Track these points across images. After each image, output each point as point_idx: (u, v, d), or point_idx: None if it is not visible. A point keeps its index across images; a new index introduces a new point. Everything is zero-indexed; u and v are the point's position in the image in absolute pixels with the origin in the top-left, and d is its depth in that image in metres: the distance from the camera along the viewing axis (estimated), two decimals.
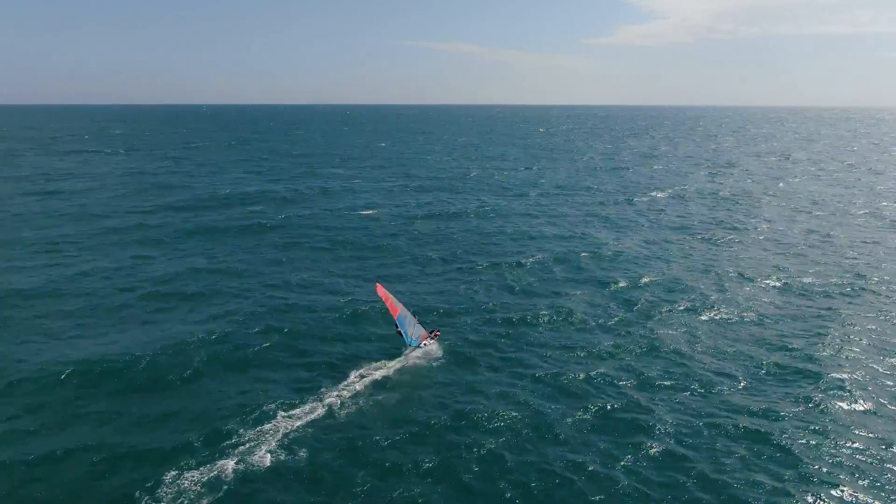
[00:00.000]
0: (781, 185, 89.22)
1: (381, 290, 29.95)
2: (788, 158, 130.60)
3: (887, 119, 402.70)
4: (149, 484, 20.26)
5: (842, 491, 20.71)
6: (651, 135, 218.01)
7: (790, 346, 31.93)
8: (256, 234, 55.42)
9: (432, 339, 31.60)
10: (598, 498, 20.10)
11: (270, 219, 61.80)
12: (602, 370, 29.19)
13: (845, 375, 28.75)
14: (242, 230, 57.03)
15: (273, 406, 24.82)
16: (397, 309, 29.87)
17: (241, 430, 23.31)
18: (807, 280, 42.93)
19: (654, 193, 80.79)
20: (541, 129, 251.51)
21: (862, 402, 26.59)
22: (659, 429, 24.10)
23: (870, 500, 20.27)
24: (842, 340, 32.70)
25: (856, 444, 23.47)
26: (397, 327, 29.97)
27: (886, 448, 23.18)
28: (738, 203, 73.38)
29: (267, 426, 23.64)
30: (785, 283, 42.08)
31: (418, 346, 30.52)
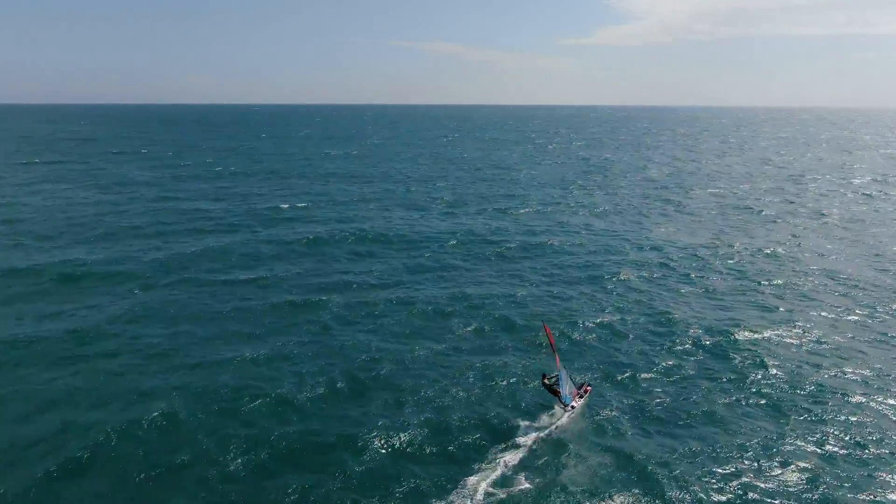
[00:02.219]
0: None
1: (549, 332, 24.38)
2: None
3: (845, 119, 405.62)
4: None
5: None
6: (582, 135, 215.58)
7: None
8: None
9: (583, 395, 25.29)
10: None
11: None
12: None
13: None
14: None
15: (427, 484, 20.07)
16: (558, 358, 24.20)
17: None
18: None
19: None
20: (492, 135, 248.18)
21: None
22: None
23: None
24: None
25: None
26: (546, 378, 24.33)
27: None
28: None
29: None
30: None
31: (572, 406, 24.24)
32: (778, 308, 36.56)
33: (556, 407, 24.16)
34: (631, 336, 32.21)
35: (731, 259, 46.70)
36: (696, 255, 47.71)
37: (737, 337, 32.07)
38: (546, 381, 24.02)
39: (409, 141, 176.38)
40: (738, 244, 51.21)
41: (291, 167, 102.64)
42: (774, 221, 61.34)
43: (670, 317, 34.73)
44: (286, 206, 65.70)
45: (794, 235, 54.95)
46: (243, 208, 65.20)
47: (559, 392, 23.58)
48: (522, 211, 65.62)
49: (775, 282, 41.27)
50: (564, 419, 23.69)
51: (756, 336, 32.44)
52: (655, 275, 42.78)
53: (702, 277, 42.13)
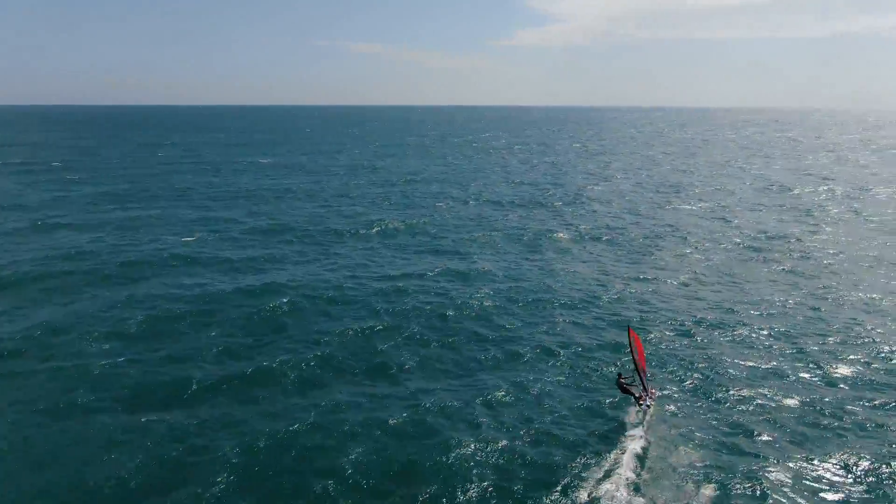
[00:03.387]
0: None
1: (634, 336, 23.35)
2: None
3: (743, 119, 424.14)
4: None
5: None
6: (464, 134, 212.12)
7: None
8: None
9: (653, 396, 23.76)
10: None
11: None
12: None
13: None
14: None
15: None
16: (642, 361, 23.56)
17: None
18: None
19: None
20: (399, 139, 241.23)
21: None
22: None
23: None
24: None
25: None
26: (622, 378, 23.51)
27: None
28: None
29: None
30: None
31: (647, 405, 23.14)
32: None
33: (631, 408, 23.48)
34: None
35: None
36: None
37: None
38: (622, 380, 23.57)
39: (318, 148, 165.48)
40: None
41: (202, 183, 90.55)
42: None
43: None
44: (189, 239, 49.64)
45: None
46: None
47: (634, 393, 23.28)
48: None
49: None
50: (646, 417, 22.83)
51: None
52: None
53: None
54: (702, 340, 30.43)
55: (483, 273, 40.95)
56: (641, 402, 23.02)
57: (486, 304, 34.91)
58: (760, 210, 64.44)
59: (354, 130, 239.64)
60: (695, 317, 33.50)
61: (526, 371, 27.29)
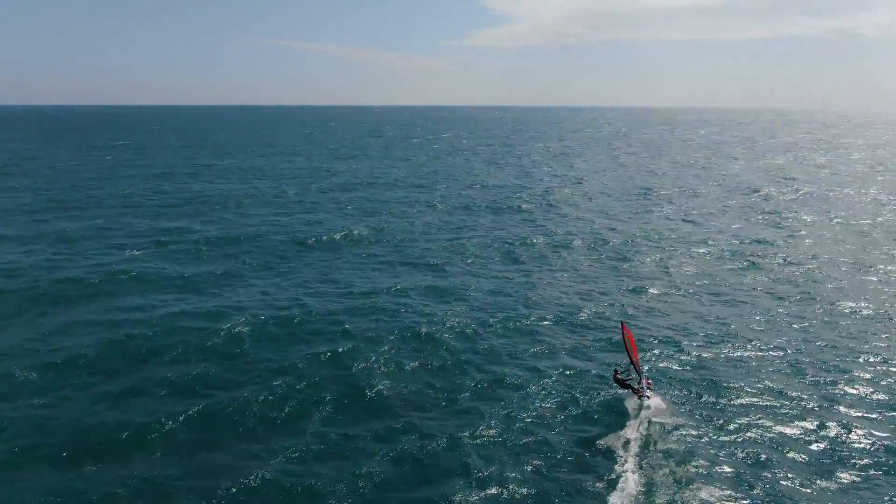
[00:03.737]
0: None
1: (627, 331, 23.72)
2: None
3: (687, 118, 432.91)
4: None
5: None
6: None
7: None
8: None
9: (650, 386, 23.58)
10: None
11: None
12: None
13: None
14: None
15: None
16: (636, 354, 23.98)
17: None
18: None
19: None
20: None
21: None
22: None
23: None
24: None
25: None
26: (618, 373, 23.84)
27: None
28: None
29: None
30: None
31: (647, 396, 22.93)
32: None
33: (630, 401, 23.47)
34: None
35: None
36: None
37: None
38: (618, 375, 23.84)
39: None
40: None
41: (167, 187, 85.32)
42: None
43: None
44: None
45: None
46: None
47: (632, 386, 23.47)
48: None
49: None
50: (649, 408, 22.61)
51: None
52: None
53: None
54: (692, 353, 28.46)
55: (458, 286, 38.35)
56: (640, 393, 23.01)
57: (464, 320, 32.32)
58: (732, 213, 63.53)
59: (312, 131, 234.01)
60: (681, 327, 31.68)
61: (513, 394, 24.85)
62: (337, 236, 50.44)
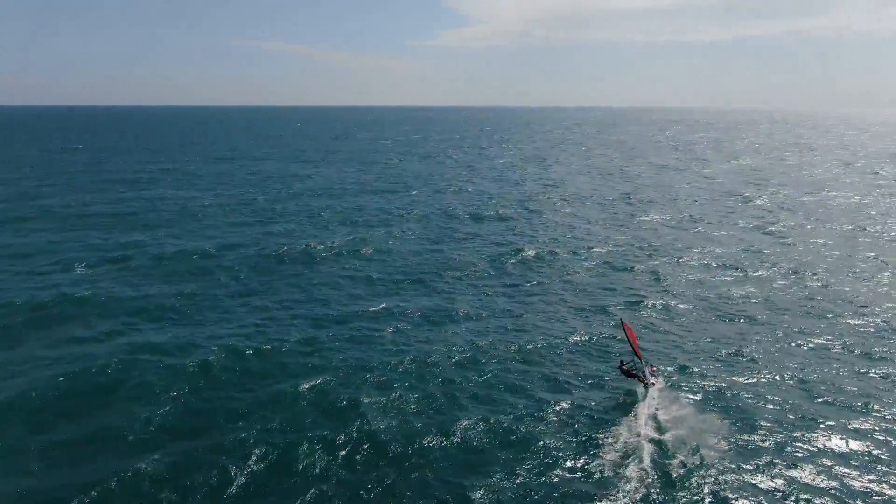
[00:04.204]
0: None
1: (627, 327, 26.03)
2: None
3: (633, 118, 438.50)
4: None
5: None
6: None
7: None
8: None
9: (654, 374, 25.57)
10: None
11: None
12: None
13: None
14: None
15: None
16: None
17: None
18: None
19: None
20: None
21: None
22: None
23: None
24: None
25: None
26: (623, 364, 25.77)
27: None
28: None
29: None
30: None
31: (652, 383, 24.92)
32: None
33: (638, 389, 24.85)
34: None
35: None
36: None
37: None
38: (624, 366, 25.47)
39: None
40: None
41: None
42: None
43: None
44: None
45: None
46: None
47: (638, 375, 24.92)
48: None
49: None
50: (654, 396, 24.12)
51: None
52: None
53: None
54: (701, 379, 25.98)
55: (445, 305, 35.35)
56: (645, 380, 24.57)
57: (460, 346, 29.38)
58: (716, 217, 61.77)
59: (278, 133, 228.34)
60: (686, 347, 29.24)
61: (515, 436, 21.97)
62: (311, 248, 46.99)
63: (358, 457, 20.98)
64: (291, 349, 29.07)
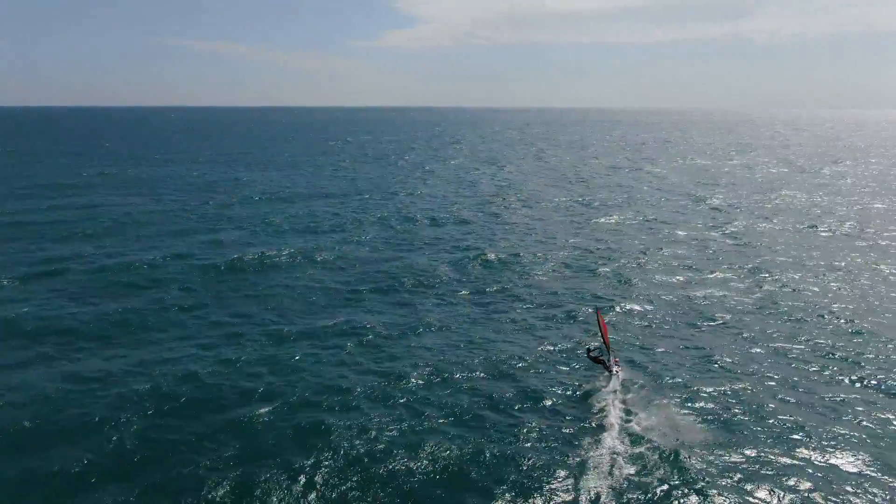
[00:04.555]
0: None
1: (601, 317, 26.70)
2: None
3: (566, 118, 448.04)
4: None
5: None
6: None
7: None
8: None
9: (617, 363, 26.30)
10: None
11: None
12: None
13: None
14: None
15: None
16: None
17: None
18: None
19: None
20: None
21: None
22: None
23: None
24: None
25: None
26: (591, 352, 26.68)
27: None
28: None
29: None
30: None
31: (616, 371, 25.70)
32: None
33: (602, 376, 26.08)
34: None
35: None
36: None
37: None
38: (591, 353, 26.67)
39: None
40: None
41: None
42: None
43: None
44: None
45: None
46: None
47: (604, 361, 26.16)
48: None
49: None
50: (618, 385, 25.08)
51: None
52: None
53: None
54: (678, 390, 25.05)
55: (412, 317, 33.52)
56: (610, 368, 25.86)
57: (425, 359, 27.75)
58: (675, 219, 61.82)
59: (220, 134, 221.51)
60: (659, 348, 28.31)
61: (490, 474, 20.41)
62: (264, 257, 44.43)
63: (322, 483, 19.11)
64: (248, 369, 26.87)
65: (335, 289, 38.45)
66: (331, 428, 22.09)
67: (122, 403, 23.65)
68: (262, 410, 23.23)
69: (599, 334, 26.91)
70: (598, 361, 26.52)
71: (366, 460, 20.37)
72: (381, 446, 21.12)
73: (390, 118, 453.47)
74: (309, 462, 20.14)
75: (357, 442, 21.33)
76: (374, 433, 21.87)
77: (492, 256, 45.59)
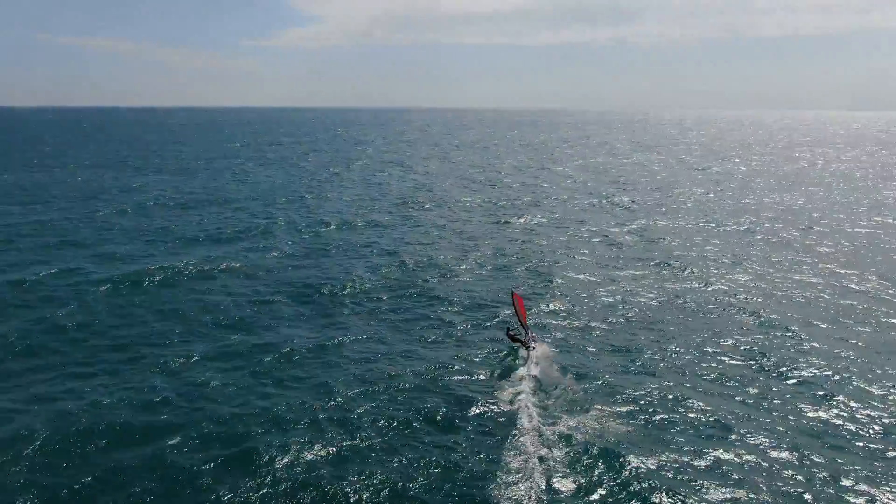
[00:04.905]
0: None
1: (517, 298, 29.35)
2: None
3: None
4: None
5: None
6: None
7: None
8: None
9: (534, 339, 28.32)
10: None
11: None
12: None
13: None
14: None
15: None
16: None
17: None
18: None
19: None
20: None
21: None
22: None
23: None
24: None
25: None
26: (510, 330, 28.67)
27: None
28: None
29: None
30: None
31: (533, 347, 27.56)
32: None
33: (521, 353, 27.76)
34: None
35: None
36: None
37: None
38: (510, 332, 28.53)
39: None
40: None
41: None
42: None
43: None
44: None
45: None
46: None
47: (520, 339, 28.10)
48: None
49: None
50: (535, 359, 26.80)
51: None
52: None
53: None
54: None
55: (333, 331, 31.92)
56: (527, 344, 27.65)
57: (350, 374, 26.36)
58: (582, 216, 63.41)
59: (105, 136, 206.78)
60: (582, 348, 28.55)
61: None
62: (161, 271, 40.88)
63: None
64: (155, 395, 24.41)
65: (246, 301, 36.15)
66: (251, 453, 20.39)
67: (7, 444, 20.85)
68: (173, 441, 21.12)
69: (516, 314, 28.99)
70: (516, 340, 28.32)
71: (292, 484, 18.95)
72: (307, 467, 19.73)
73: (288, 119, 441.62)
74: (229, 494, 18.48)
75: (281, 465, 19.82)
76: (298, 453, 20.42)
77: (408, 260, 44.69)
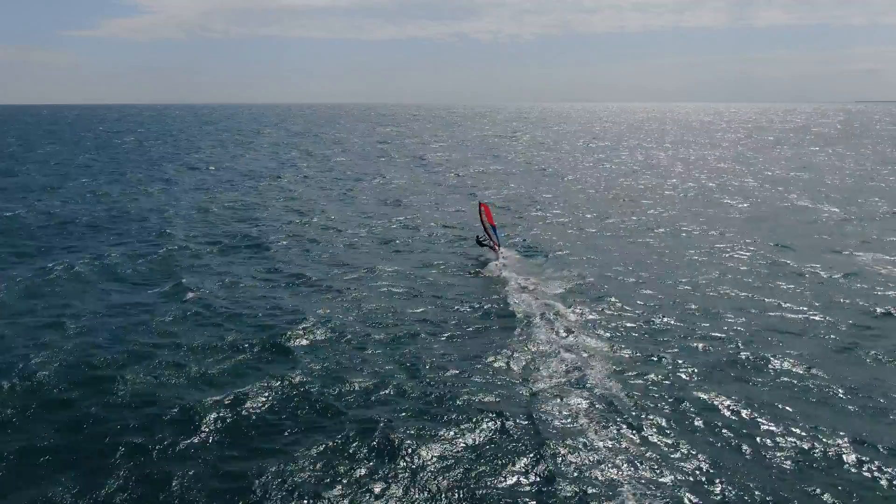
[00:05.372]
0: None
1: (484, 207, 34.48)
2: None
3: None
4: None
5: None
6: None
7: None
8: None
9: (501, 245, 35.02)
10: None
11: None
12: None
13: None
14: None
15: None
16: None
17: None
18: None
19: None
20: None
21: None
22: None
23: None
24: None
25: None
26: (482, 239, 34.63)
27: None
28: None
29: None
30: None
31: (502, 254, 33.25)
32: None
33: (491, 262, 33.41)
34: None
35: None
36: None
37: None
38: (480, 239, 34.68)
39: None
40: None
41: None
42: None
43: None
44: None
45: None
46: None
47: (488, 244, 33.95)
48: None
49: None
50: (503, 261, 33.16)
51: None
52: None
53: None
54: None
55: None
56: (496, 248, 31.91)
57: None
58: (459, 215, 60.82)
59: None
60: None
61: None
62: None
63: None
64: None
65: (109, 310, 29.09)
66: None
67: None
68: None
69: (482, 222, 33.76)
70: (484, 245, 34.17)
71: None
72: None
73: (114, 117, 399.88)
74: None
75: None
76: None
77: (312, 276, 39.15)
